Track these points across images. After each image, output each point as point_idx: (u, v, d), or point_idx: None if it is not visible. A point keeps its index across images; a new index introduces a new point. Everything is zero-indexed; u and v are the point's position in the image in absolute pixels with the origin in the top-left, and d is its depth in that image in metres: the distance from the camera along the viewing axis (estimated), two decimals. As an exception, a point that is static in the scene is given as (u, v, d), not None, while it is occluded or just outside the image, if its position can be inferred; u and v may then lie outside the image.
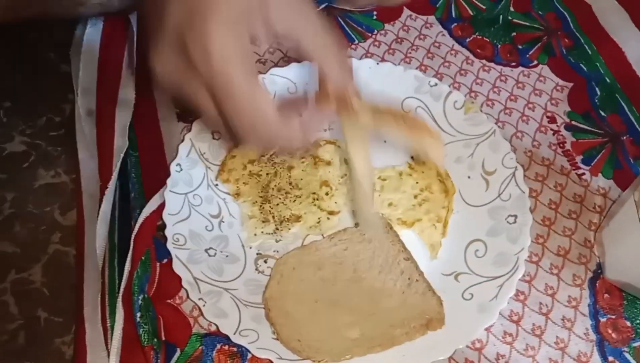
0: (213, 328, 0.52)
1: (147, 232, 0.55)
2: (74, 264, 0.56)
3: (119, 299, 0.52)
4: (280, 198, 0.58)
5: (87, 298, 0.53)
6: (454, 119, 0.63)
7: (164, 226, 0.55)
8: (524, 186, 0.57)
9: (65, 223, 0.59)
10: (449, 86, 0.65)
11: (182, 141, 0.60)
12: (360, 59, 0.66)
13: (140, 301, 0.52)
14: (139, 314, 0.51)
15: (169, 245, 0.53)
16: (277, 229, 0.57)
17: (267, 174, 0.60)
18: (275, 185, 0.59)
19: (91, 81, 0.66)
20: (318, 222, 0.57)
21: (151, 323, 0.51)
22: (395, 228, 0.57)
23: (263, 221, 0.57)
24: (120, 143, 0.61)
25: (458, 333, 0.51)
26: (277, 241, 0.57)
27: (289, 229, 0.57)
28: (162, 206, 0.56)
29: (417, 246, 0.57)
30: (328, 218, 0.58)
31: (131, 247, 0.54)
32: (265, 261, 0.56)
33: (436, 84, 0.64)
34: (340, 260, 0.55)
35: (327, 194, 0.59)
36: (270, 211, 0.58)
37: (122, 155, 0.59)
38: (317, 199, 0.58)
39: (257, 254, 0.56)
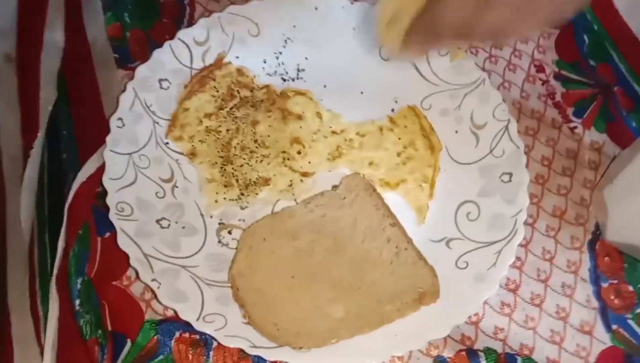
0: (170, 313, 0.44)
1: (84, 201, 0.47)
2: (-6, 241, 0.47)
3: (53, 282, 0.43)
4: (244, 158, 0.50)
5: (11, 283, 0.44)
6: (438, 67, 0.56)
7: (104, 193, 0.46)
8: (519, 140, 0.52)
9: (-19, 191, 0.49)
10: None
11: (124, 90, 0.50)
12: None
13: (79, 285, 0.43)
14: (77, 301, 0.42)
15: (112, 216, 0.45)
16: (242, 194, 0.49)
17: (227, 130, 0.51)
18: (237, 143, 0.51)
19: (8, 20, 0.56)
20: (290, 185, 0.50)
21: (94, 312, 0.43)
22: (378, 190, 0.50)
23: (225, 186, 0.49)
24: (48, 93, 0.52)
25: (455, 307, 0.45)
26: (242, 209, 0.49)
27: (256, 194, 0.49)
28: (101, 169, 0.47)
29: (402, 210, 0.50)
30: (301, 180, 0.50)
31: (65, 219, 0.45)
32: (230, 232, 0.48)
33: (418, 27, 0.56)
34: (318, 228, 0.48)
35: (299, 153, 0.51)
36: (233, 173, 0.49)
37: (50, 108, 0.50)
38: (288, 159, 0.50)
39: (220, 224, 0.48)
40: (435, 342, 0.45)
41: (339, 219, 0.48)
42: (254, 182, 0.49)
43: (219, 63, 0.53)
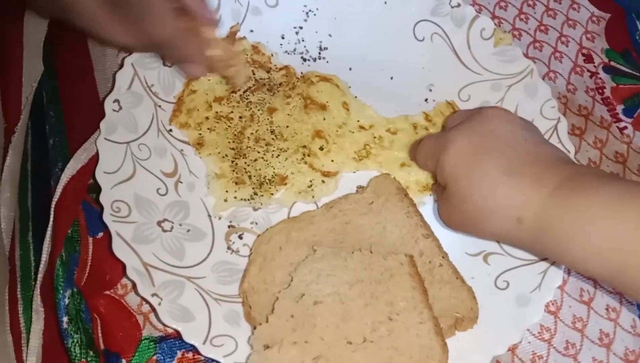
0: (171, 330, 0.38)
1: (74, 197, 0.41)
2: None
3: (37, 293, 0.37)
4: (258, 152, 0.44)
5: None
6: (480, 53, 0.50)
7: (97, 188, 0.40)
8: (569, 143, 0.47)
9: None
10: (475, 8, 0.51)
11: (121, 66, 0.44)
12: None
13: (67, 300, 0.38)
14: (65, 318, 0.37)
15: (107, 218, 0.39)
16: (255, 193, 0.43)
17: (240, 117, 0.45)
18: (251, 133, 0.44)
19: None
20: (310, 186, 0.44)
21: (84, 330, 0.37)
22: (410, 196, 0.44)
23: (236, 183, 0.43)
24: (32, 67, 0.44)
25: (494, 334, 0.40)
26: (255, 210, 0.43)
27: (272, 194, 0.43)
28: (93, 160, 0.41)
29: (438, 219, 0.44)
30: (323, 181, 0.44)
31: (51, 219, 0.39)
32: (241, 237, 0.42)
33: (459, 5, 0.50)
34: (341, 237, 0.42)
35: (321, 148, 0.45)
36: (245, 168, 0.43)
37: (34, 85, 0.43)
38: (309, 156, 0.44)
39: (229, 226, 0.42)
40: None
41: (365, 228, 0.42)
42: (269, 180, 0.43)
43: (232, 38, 0.46)
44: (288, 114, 0.45)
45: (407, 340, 0.37)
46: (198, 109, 0.44)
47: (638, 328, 0.45)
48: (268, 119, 0.45)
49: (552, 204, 0.35)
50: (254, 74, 0.46)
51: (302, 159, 0.44)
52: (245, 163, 0.43)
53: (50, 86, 0.44)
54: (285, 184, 0.44)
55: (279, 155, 0.44)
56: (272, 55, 0.48)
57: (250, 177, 0.43)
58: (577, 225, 0.34)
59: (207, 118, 0.44)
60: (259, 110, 0.45)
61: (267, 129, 0.45)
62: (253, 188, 0.43)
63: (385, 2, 0.50)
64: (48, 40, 0.45)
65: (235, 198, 0.43)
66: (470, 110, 0.44)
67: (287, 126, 0.45)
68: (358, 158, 0.45)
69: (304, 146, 0.44)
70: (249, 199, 0.43)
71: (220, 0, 0.48)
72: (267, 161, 0.44)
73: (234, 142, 0.44)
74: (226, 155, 0.44)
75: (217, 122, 0.44)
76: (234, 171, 0.43)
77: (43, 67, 0.44)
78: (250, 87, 0.46)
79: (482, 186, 0.37)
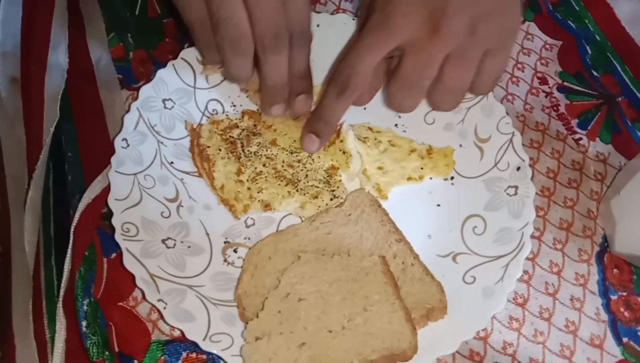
0: (177, 333, 0.43)
1: (90, 222, 0.47)
2: (-1, 264, 0.47)
3: (59, 305, 0.43)
4: (302, 169, 0.51)
5: (15, 307, 0.43)
6: (441, 81, 0.56)
7: (110, 214, 0.46)
8: (523, 153, 0.51)
9: (-14, 214, 0.49)
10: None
11: (128, 110, 0.51)
12: (333, 14, 0.58)
13: (85, 307, 0.43)
14: (84, 322, 0.42)
15: (118, 237, 0.45)
16: (333, 191, 0.50)
17: (263, 165, 0.51)
18: (282, 164, 0.51)
19: (14, 42, 0.55)
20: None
21: (100, 333, 0.42)
22: (374, 192, 0.50)
23: (315, 197, 0.50)
24: (51, 114, 0.51)
25: (462, 322, 0.44)
26: (247, 227, 0.49)
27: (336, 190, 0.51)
28: (106, 190, 0.47)
29: (409, 225, 0.49)
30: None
31: (71, 241, 0.45)
32: (235, 251, 0.48)
33: (421, 43, 0.57)
34: (324, 245, 0.47)
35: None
36: (306, 185, 0.51)
37: (52, 129, 0.49)
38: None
39: (225, 242, 0.48)
40: (444, 358, 0.45)
41: (344, 237, 0.48)
42: (328, 175, 0.51)
43: (194, 133, 0.52)
44: (284, 134, 0.52)
45: (381, 327, 0.42)
46: (239, 191, 0.49)
47: (602, 315, 0.48)
48: (278, 148, 0.51)
49: None
50: (231, 137, 0.52)
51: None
52: (303, 183, 0.50)
53: (68, 130, 0.51)
54: (337, 168, 0.51)
55: (313, 160, 0.51)
56: (227, 115, 0.53)
57: (317, 186, 0.50)
58: None
59: (248, 189, 0.50)
60: (266, 150, 0.51)
61: (287, 153, 0.51)
62: (327, 189, 0.50)
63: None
64: (65, 93, 0.52)
65: (326, 204, 0.50)
66: None
67: (293, 141, 0.52)
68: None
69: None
70: (332, 198, 0.50)
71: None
72: (311, 169, 0.51)
73: (282, 181, 0.50)
74: (289, 192, 0.50)
75: (258, 183, 0.50)
76: (305, 194, 0.50)
77: (59, 115, 0.50)
78: (242, 146, 0.51)
79: None
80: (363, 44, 0.46)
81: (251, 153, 0.51)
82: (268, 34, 0.45)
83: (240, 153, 0.51)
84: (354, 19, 0.57)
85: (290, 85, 0.49)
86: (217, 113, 0.54)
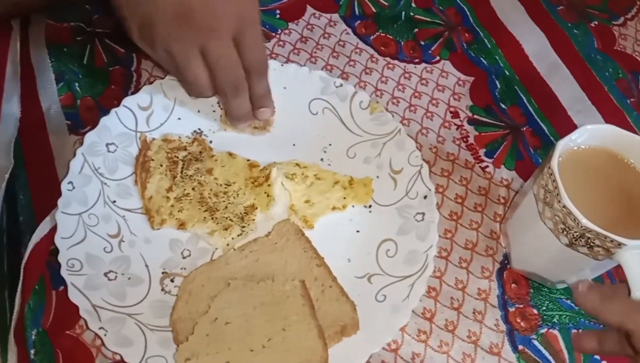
0: (118, 357, 0.49)
1: (39, 259, 0.51)
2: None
3: (11, 336, 0.48)
4: (223, 201, 0.57)
5: (-28, 339, 0.48)
6: (360, 120, 0.62)
7: (57, 250, 0.51)
8: (430, 183, 0.58)
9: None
10: (354, 86, 0.65)
11: (74, 156, 0.56)
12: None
13: (34, 336, 0.48)
14: (32, 350, 0.47)
15: (63, 272, 0.50)
16: (243, 227, 0.56)
17: (192, 188, 0.57)
18: (209, 193, 0.57)
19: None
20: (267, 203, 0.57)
21: (48, 360, 0.47)
22: (300, 223, 0.56)
23: (226, 229, 0.55)
24: (5, 162, 0.56)
25: (373, 336, 0.50)
26: (184, 258, 0.54)
27: (253, 219, 0.56)
28: (54, 229, 0.52)
29: (329, 250, 0.55)
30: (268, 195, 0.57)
31: (21, 277, 0.50)
32: (172, 280, 0.53)
33: (341, 85, 0.63)
34: (252, 272, 0.53)
35: (261, 170, 0.59)
36: (224, 216, 0.56)
37: (6, 176, 0.54)
38: (254, 181, 0.58)
39: (163, 273, 0.53)
40: (358, 370, 0.51)
41: (271, 263, 0.54)
42: (245, 212, 0.56)
43: (145, 145, 0.58)
44: (222, 166, 0.58)
45: (297, 344, 0.48)
46: (162, 205, 0.55)
47: (500, 326, 0.55)
48: (212, 178, 0.57)
49: None
50: (177, 157, 0.58)
51: (253, 184, 0.57)
52: (221, 213, 0.55)
53: (20, 175, 0.56)
54: (256, 208, 0.56)
55: (237, 194, 0.57)
56: (179, 137, 0.60)
57: (231, 219, 0.55)
58: None
59: (172, 206, 0.55)
60: (201, 176, 0.57)
61: (217, 184, 0.57)
62: (239, 225, 0.55)
63: (285, 88, 0.63)
64: (18, 141, 0.57)
65: (232, 238, 0.55)
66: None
67: (227, 174, 0.58)
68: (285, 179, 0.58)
69: (248, 178, 0.58)
70: (240, 234, 0.55)
71: (152, 97, 0.60)
72: (232, 203, 0.56)
73: (202, 207, 0.56)
74: (204, 218, 0.55)
75: (181, 203, 0.56)
76: (217, 223, 0.55)
77: (13, 163, 0.55)
78: (182, 167, 0.58)
79: None
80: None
81: (187, 175, 0.58)
82: (229, 86, 0.55)
83: (177, 173, 0.57)
84: (282, 65, 0.64)
85: (252, 105, 0.58)
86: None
